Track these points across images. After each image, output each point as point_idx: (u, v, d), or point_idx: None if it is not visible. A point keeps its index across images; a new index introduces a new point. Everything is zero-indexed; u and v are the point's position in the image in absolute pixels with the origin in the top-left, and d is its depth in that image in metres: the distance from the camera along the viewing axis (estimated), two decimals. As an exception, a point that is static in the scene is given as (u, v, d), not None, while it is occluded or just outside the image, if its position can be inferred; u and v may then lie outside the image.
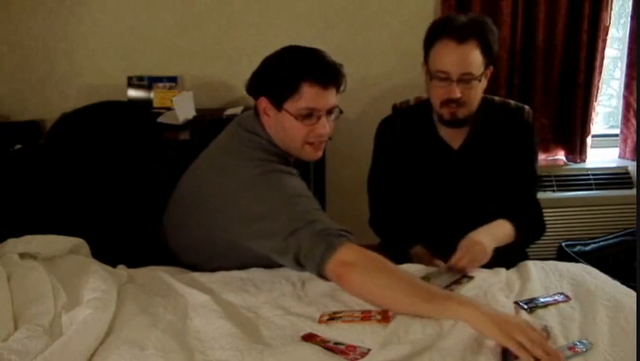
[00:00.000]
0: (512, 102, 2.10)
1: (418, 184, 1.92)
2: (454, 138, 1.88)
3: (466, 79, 1.71)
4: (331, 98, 1.52)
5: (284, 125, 1.52)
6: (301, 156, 1.57)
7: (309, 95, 1.48)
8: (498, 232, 1.73)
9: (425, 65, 1.80)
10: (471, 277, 1.52)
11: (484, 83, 1.78)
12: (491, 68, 1.79)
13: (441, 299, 1.28)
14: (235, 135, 1.62)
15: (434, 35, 1.75)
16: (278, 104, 1.50)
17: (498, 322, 1.20)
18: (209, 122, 2.51)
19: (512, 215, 1.81)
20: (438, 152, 1.89)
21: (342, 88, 1.55)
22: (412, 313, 1.28)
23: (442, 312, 1.26)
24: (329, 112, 1.53)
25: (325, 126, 1.52)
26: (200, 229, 1.57)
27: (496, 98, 2.06)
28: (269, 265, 1.53)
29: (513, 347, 1.15)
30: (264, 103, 1.54)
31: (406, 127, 1.93)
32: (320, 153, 1.58)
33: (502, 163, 1.89)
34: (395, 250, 1.97)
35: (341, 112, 1.57)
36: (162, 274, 1.53)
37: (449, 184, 1.89)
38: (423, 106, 1.93)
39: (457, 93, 1.72)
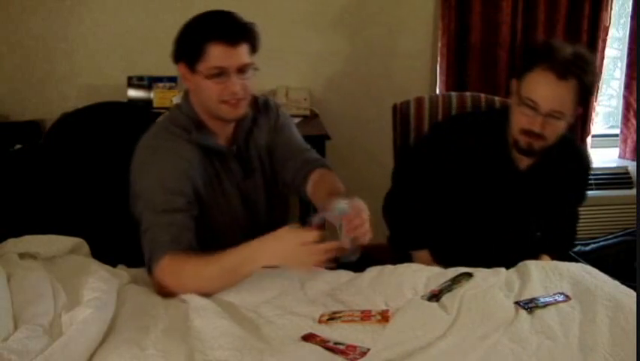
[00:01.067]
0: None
1: (470, 195, 1.88)
2: (522, 159, 1.83)
3: (553, 116, 1.67)
4: (240, 55, 1.52)
5: (200, 87, 1.54)
6: (220, 114, 1.58)
7: (215, 54, 1.50)
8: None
9: (516, 83, 1.75)
10: (470, 276, 1.52)
11: (570, 122, 1.73)
12: (580, 108, 1.74)
13: (240, 266, 1.41)
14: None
15: (535, 60, 1.70)
16: (191, 67, 1.53)
17: (283, 257, 1.38)
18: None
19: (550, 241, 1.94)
20: (503, 169, 1.84)
21: (255, 46, 1.56)
22: (231, 286, 1.43)
23: (246, 275, 1.43)
24: (241, 70, 1.53)
25: (236, 84, 1.52)
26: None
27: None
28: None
29: (309, 269, 1.38)
30: (182, 69, 1.57)
31: (472, 136, 1.85)
32: (240, 111, 1.58)
33: (557, 194, 1.90)
34: (401, 245, 1.97)
35: (256, 69, 1.58)
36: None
37: (506, 202, 1.87)
38: (492, 117, 1.88)
39: (538, 127, 1.68)
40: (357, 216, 1.41)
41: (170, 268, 1.43)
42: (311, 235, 1.34)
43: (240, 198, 1.67)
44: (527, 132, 1.71)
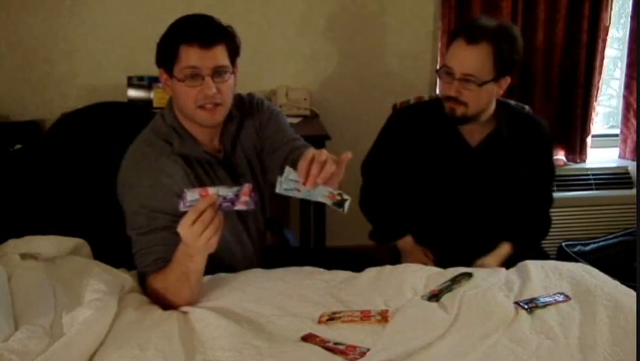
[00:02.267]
0: (530, 111, 2.09)
1: (428, 175, 1.92)
2: (473, 135, 1.88)
3: (466, 79, 1.72)
4: (214, 57, 1.49)
5: (177, 93, 1.52)
6: (197, 120, 1.55)
7: (187, 56, 1.47)
8: (503, 253, 1.88)
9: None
10: (470, 276, 1.52)
11: (491, 90, 1.77)
12: (508, 78, 1.78)
13: (189, 262, 1.37)
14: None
15: (454, 33, 1.78)
16: (169, 72, 1.52)
17: (196, 250, 1.33)
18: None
19: (518, 225, 1.91)
20: (454, 146, 1.89)
21: (233, 49, 1.53)
22: (196, 286, 1.41)
23: (198, 263, 1.38)
24: (217, 72, 1.49)
25: (211, 87, 1.48)
26: None
27: (513, 102, 2.04)
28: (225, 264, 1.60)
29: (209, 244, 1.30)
30: (162, 75, 1.55)
31: (423, 119, 1.93)
32: (217, 117, 1.54)
33: (517, 170, 1.91)
34: (383, 238, 2.00)
35: (232, 73, 1.54)
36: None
37: (460, 179, 1.90)
38: (441, 101, 1.92)
39: (454, 91, 1.74)
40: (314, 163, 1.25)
41: (151, 288, 1.45)
42: (189, 214, 1.28)
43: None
44: (448, 98, 1.77)
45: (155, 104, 2.69)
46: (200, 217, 1.27)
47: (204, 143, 1.60)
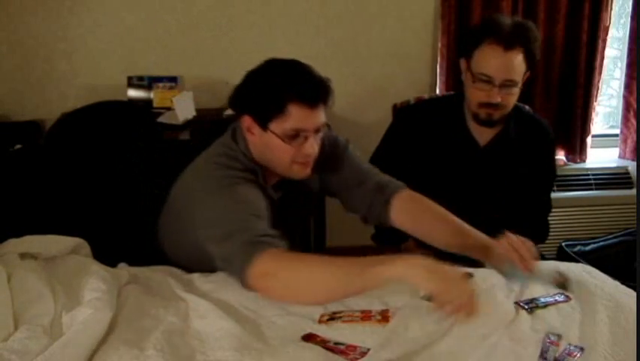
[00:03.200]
0: (530, 110, 2.11)
1: (435, 173, 1.92)
2: (482, 134, 1.89)
3: (507, 85, 1.75)
4: (319, 117, 1.46)
5: (270, 146, 1.46)
6: (289, 175, 1.52)
7: (296, 116, 1.42)
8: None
9: (465, 62, 1.82)
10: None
11: (520, 88, 1.81)
12: (529, 73, 1.82)
13: (369, 267, 1.23)
14: (219, 143, 1.58)
15: (480, 36, 1.77)
16: (263, 124, 1.45)
17: (429, 270, 1.19)
18: (209, 122, 2.51)
19: (518, 223, 1.86)
20: (463, 145, 1.90)
21: (329, 104, 1.50)
22: (352, 294, 1.29)
23: (375, 279, 1.23)
24: (316, 131, 1.48)
25: (313, 146, 1.47)
26: (184, 233, 1.52)
27: (522, 105, 2.05)
28: None
29: (430, 291, 1.20)
30: (247, 121, 1.48)
31: (433, 117, 1.93)
32: (309, 171, 1.51)
33: (521, 170, 1.91)
34: (385, 241, 1.99)
35: (328, 126, 1.52)
36: (162, 275, 1.53)
37: (467, 178, 1.91)
38: (452, 99, 1.94)
39: (497, 98, 1.76)
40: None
41: (274, 262, 1.27)
42: (464, 272, 1.27)
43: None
44: (486, 105, 1.79)
45: (155, 104, 2.69)
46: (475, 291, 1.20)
47: (269, 182, 1.56)
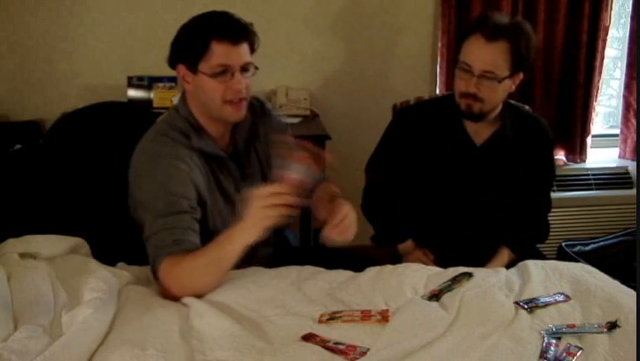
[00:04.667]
0: (530, 110, 2.10)
1: (433, 173, 1.92)
2: (479, 133, 1.89)
3: (487, 76, 1.74)
4: (243, 53, 1.54)
5: (202, 88, 1.55)
6: (223, 116, 1.58)
7: (219, 52, 1.51)
8: (504, 261, 1.90)
9: (458, 57, 1.84)
10: (470, 276, 1.52)
11: (507, 87, 1.80)
12: (521, 75, 1.81)
13: (228, 244, 1.42)
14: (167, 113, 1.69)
15: (469, 29, 1.79)
16: (193, 68, 1.54)
17: (253, 222, 1.38)
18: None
19: (517, 230, 1.92)
20: (460, 144, 1.90)
21: (255, 46, 1.58)
22: (232, 259, 1.42)
23: (236, 250, 1.41)
24: (243, 69, 1.55)
25: (240, 81, 1.54)
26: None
27: (520, 105, 2.05)
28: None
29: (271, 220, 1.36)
30: (182, 71, 1.57)
31: (431, 117, 1.94)
32: (242, 113, 1.59)
33: (520, 170, 1.91)
34: (385, 242, 2.00)
35: (256, 68, 1.59)
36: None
37: (465, 177, 1.91)
38: (449, 98, 1.94)
39: (473, 88, 1.75)
40: (340, 221, 1.47)
41: (170, 267, 1.43)
42: (268, 188, 1.37)
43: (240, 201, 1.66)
44: (465, 95, 1.79)
45: (155, 104, 2.70)
46: (280, 194, 1.33)
47: (217, 139, 1.63)
